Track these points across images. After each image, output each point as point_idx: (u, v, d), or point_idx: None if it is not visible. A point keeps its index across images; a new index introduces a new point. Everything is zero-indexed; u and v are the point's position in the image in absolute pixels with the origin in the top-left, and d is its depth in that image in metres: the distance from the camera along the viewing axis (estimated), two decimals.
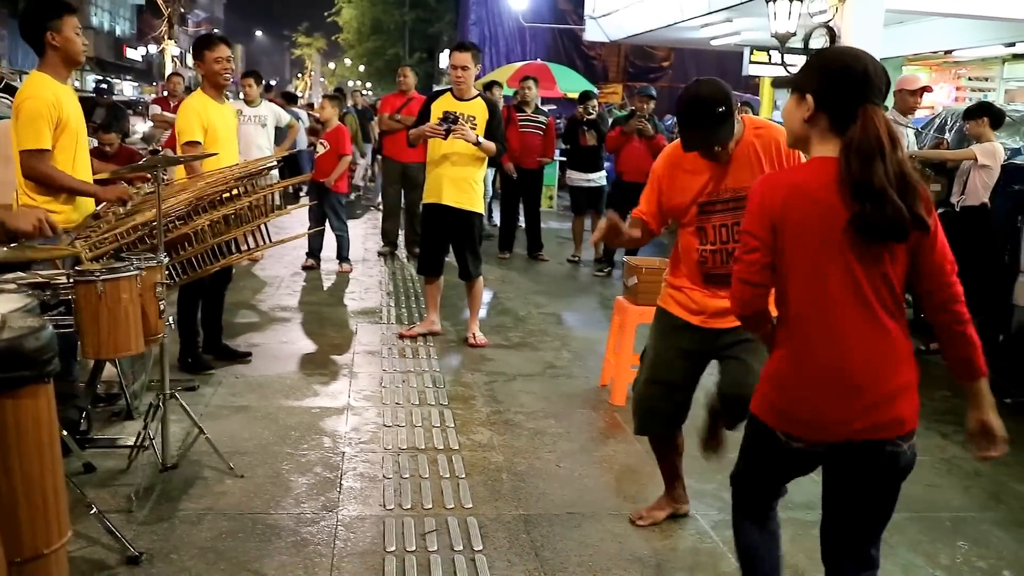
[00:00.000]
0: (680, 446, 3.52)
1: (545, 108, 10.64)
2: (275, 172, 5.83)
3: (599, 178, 9.61)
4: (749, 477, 2.49)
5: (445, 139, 5.71)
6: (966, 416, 2.26)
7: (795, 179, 2.22)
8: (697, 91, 3.01)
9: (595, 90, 13.38)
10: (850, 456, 2.21)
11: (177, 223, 4.13)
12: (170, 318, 3.63)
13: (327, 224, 8.62)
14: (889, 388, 2.17)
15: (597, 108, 9.79)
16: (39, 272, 3.17)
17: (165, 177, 4.58)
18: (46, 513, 2.08)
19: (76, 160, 3.94)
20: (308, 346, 6.04)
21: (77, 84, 38.27)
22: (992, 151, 6.00)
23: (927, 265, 2.17)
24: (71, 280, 3.00)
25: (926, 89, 6.57)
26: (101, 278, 2.97)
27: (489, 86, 10.62)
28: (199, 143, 4.97)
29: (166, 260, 3.44)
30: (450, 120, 5.61)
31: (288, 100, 14.22)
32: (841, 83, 2.13)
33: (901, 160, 2.09)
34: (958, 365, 2.22)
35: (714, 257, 3.12)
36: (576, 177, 9.68)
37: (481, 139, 5.72)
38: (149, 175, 3.58)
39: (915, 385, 2.21)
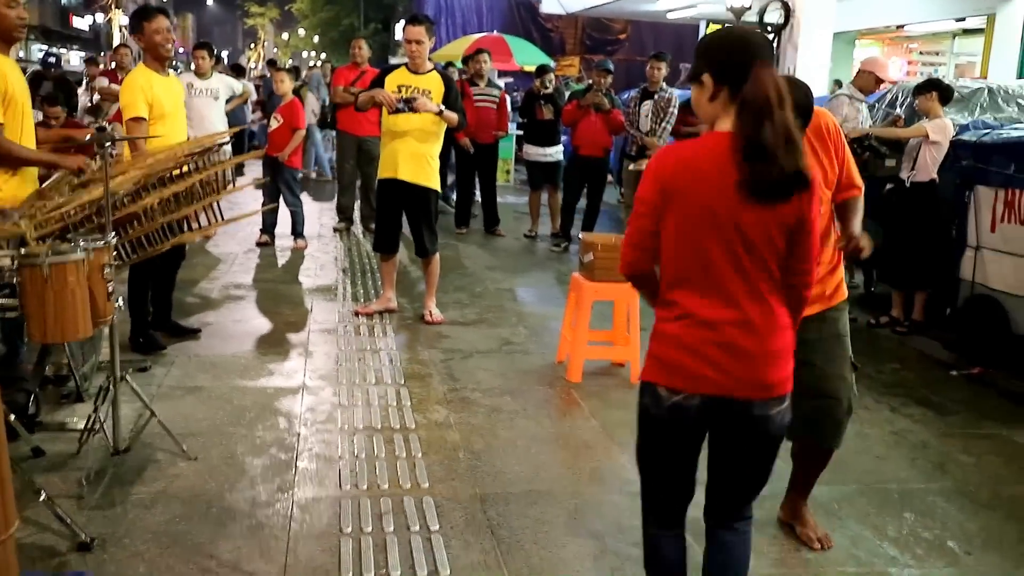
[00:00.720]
0: None
1: (501, 82, 10.58)
2: (227, 148, 5.73)
3: (556, 152, 9.59)
4: (654, 472, 2.46)
5: (391, 113, 5.65)
6: None
7: (685, 152, 2.30)
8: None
9: (552, 63, 13.32)
10: (722, 415, 2.29)
11: (126, 201, 4.05)
12: (119, 298, 3.57)
13: (281, 200, 8.52)
14: (761, 351, 2.25)
15: (554, 82, 9.76)
16: None
17: (114, 153, 4.48)
18: None
19: (23, 135, 3.85)
20: (263, 325, 5.98)
21: (22, 54, 37.22)
22: (943, 127, 6.07)
23: (799, 250, 2.27)
24: (15, 263, 2.93)
25: (892, 81, 6.66)
26: (47, 261, 2.90)
27: (445, 67, 10.52)
28: (144, 119, 4.84)
29: (114, 240, 3.36)
30: (408, 103, 5.56)
31: (237, 73, 13.98)
32: (727, 51, 2.27)
33: (787, 117, 2.18)
34: None
35: None
36: (533, 152, 9.66)
37: (443, 108, 5.68)
38: (96, 151, 3.49)
39: (789, 352, 2.31)
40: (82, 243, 3.15)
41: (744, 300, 2.24)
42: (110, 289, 3.31)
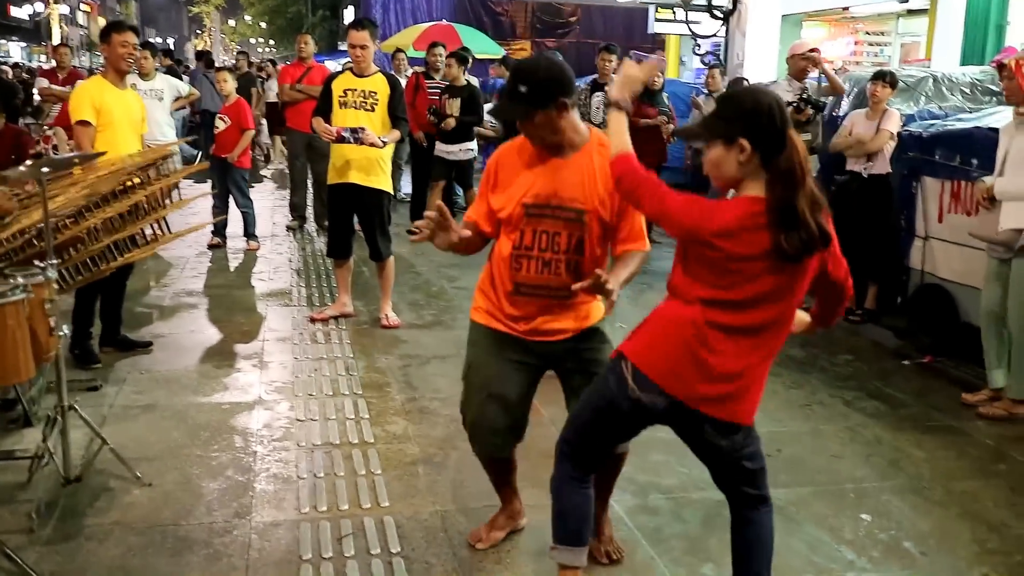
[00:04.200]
0: (515, 461, 3.32)
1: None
2: (176, 160, 5.67)
3: (461, 150, 9.04)
4: (599, 433, 2.70)
5: (335, 142, 5.62)
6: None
7: (722, 218, 2.35)
8: (521, 62, 2.87)
9: (502, 52, 13.16)
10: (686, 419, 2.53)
11: (67, 222, 3.96)
12: (64, 327, 3.47)
13: (231, 201, 8.40)
14: (736, 385, 2.45)
15: (445, 62, 9.25)
16: None
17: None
18: None
19: None
20: (216, 335, 5.89)
21: None
22: (898, 121, 6.17)
23: (831, 276, 2.51)
24: None
25: (813, 51, 6.72)
26: None
27: (394, 54, 10.42)
28: (89, 123, 4.92)
29: (54, 276, 3.26)
30: (354, 134, 5.51)
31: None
32: (769, 119, 2.31)
33: (811, 181, 2.33)
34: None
35: (528, 264, 2.87)
36: (439, 147, 9.08)
37: (386, 139, 5.65)
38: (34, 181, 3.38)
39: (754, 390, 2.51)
40: (21, 280, 3.05)
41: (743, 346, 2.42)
42: (52, 324, 3.22)
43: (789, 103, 6.56)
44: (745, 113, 2.33)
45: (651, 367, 2.47)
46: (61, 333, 3.38)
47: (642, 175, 2.49)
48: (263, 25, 43.60)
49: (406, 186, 10.98)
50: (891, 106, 6.30)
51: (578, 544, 2.77)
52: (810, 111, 6.55)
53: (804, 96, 6.51)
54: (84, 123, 4.93)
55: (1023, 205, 4.49)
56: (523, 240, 2.87)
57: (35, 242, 3.74)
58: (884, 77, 6.26)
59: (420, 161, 9.74)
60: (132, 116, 5.17)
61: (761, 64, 11.78)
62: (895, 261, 6.17)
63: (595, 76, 8.69)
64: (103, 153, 4.31)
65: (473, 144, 9.23)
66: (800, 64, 6.70)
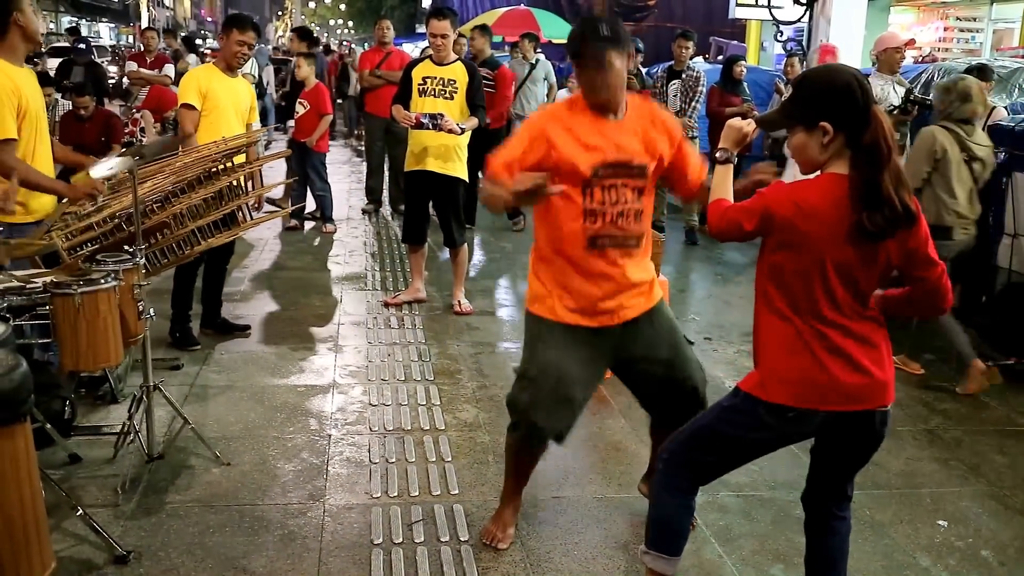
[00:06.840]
0: None
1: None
2: (259, 146, 5.79)
3: None
4: (728, 454, 2.63)
5: (413, 128, 5.69)
6: None
7: (805, 198, 2.32)
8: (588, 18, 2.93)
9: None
10: (840, 423, 2.46)
11: (155, 207, 4.07)
12: (151, 310, 3.58)
13: (309, 185, 8.54)
14: (880, 372, 2.42)
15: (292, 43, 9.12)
16: (14, 274, 3.12)
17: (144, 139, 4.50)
18: (28, 549, 2.08)
19: (36, 150, 3.81)
20: (293, 317, 6.01)
21: (52, 26, 37.40)
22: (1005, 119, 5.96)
23: (918, 255, 2.37)
24: (47, 292, 2.94)
25: (910, 43, 6.52)
26: (79, 291, 2.92)
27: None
28: (194, 107, 5.04)
29: (143, 261, 3.37)
30: (433, 120, 5.57)
31: (188, 47, 13.77)
32: (849, 97, 2.26)
33: (897, 158, 2.27)
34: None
35: (603, 216, 2.96)
36: None
37: (464, 126, 5.70)
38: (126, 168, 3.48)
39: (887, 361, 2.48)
40: (112, 266, 3.16)
41: (857, 332, 2.39)
42: (140, 308, 3.33)
43: (895, 106, 6.35)
44: (822, 94, 2.29)
45: (793, 396, 2.41)
46: (148, 316, 3.50)
47: (721, 212, 2.52)
48: (342, 7, 44.05)
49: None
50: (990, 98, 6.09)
51: (674, 554, 2.72)
52: (916, 112, 6.33)
53: (912, 98, 6.29)
54: (188, 106, 5.04)
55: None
56: (594, 199, 2.97)
57: (124, 226, 3.86)
58: (975, 74, 6.03)
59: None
60: (239, 104, 5.21)
61: (846, 52, 11.46)
62: (983, 259, 5.97)
63: (671, 63, 8.58)
64: (176, 153, 4.45)
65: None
66: (895, 58, 6.50)
